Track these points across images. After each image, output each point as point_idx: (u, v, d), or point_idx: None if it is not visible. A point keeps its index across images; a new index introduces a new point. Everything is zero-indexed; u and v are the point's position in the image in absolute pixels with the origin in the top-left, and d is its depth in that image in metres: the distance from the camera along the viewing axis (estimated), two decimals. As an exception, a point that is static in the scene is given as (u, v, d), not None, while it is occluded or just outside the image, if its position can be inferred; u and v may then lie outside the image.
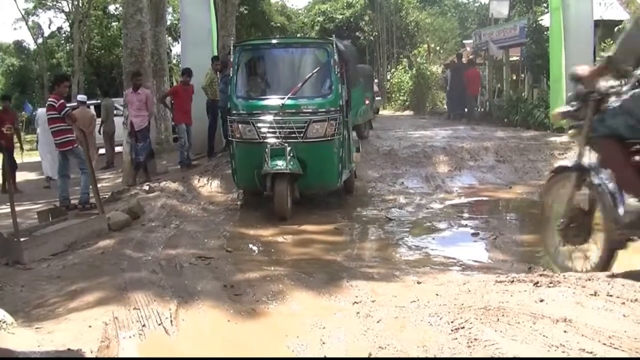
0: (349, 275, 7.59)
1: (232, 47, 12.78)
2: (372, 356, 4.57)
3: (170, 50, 47.73)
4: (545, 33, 23.71)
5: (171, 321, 5.89)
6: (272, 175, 11.35)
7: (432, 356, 4.27)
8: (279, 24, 52.01)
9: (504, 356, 4.05)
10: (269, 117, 11.62)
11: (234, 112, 11.98)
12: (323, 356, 4.80)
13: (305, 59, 12.66)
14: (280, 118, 11.56)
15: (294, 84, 11.95)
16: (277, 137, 11.50)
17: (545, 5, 27.68)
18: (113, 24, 50.91)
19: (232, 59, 12.38)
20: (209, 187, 14.42)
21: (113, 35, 49.15)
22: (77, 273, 7.82)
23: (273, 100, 11.89)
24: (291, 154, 11.38)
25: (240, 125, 11.80)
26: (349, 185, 13.54)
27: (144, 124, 15.81)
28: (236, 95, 12.11)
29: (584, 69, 6.01)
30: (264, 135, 11.57)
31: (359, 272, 7.81)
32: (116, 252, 8.94)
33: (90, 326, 5.61)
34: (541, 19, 25.77)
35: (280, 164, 11.27)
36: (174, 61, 46.80)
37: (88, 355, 4.93)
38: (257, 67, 12.93)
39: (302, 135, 11.52)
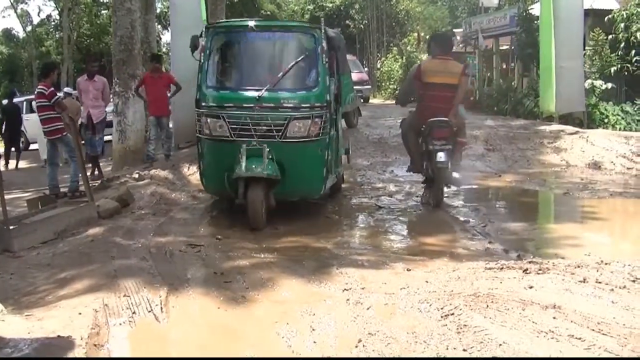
0: (339, 262, 7.59)
1: (204, 29, 10.77)
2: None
3: (160, 39, 47.58)
4: (535, 22, 23.72)
5: (161, 308, 5.91)
6: (246, 180, 9.72)
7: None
8: (269, 12, 51.83)
9: (494, 343, 4.07)
10: (243, 112, 9.93)
11: (202, 104, 10.21)
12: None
13: (289, 45, 10.82)
14: (256, 113, 9.87)
15: (274, 74, 10.19)
16: (252, 136, 9.80)
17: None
18: (102, 11, 50.66)
19: (203, 43, 10.47)
20: (198, 175, 14.38)
21: (102, 23, 48.91)
22: (67, 261, 7.81)
23: (248, 92, 10.07)
24: (269, 157, 9.75)
25: (209, 120, 10.11)
26: (333, 191, 11.83)
27: (102, 115, 15.69)
28: (206, 85, 10.30)
29: None
30: (237, 132, 9.88)
31: (348, 259, 7.81)
32: (106, 239, 8.91)
33: (80, 313, 5.62)
34: (531, 8, 25.79)
35: (256, 167, 9.64)
36: (164, 49, 46.62)
37: (78, 342, 4.93)
38: (232, 53, 10.94)
39: (280, 134, 9.82)
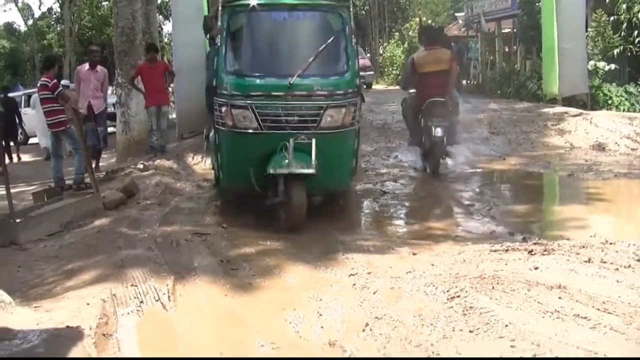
0: (345, 248, 7.63)
1: (219, 8, 9.62)
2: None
3: (162, 29, 47.51)
4: (537, 4, 23.64)
5: (169, 297, 5.93)
6: (285, 178, 8.74)
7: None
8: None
9: (500, 324, 4.09)
10: (274, 102, 9.00)
11: (223, 92, 9.21)
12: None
13: (315, 25, 9.89)
14: (287, 103, 8.98)
15: (302, 57, 9.25)
16: (284, 127, 8.96)
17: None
18: (104, 3, 50.58)
19: (219, 24, 9.52)
20: (203, 164, 14.37)
21: (104, 14, 48.88)
22: (74, 252, 7.84)
23: (277, 78, 9.15)
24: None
25: (233, 111, 9.08)
26: None
27: (103, 106, 15.63)
28: (226, 71, 9.31)
29: None
30: (267, 124, 8.97)
31: (354, 245, 7.85)
32: (112, 230, 8.94)
33: (88, 304, 5.65)
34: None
35: (305, 164, 8.66)
36: (166, 40, 46.57)
37: (87, 332, 4.96)
38: (253, 35, 9.81)
39: (315, 124, 8.97)
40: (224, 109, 9.22)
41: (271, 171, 8.73)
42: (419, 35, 16.32)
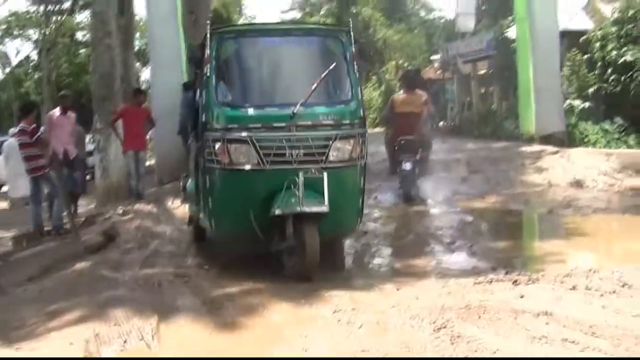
0: (328, 286, 7.58)
1: (207, 34, 8.57)
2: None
3: (139, 76, 47.58)
4: (512, 45, 23.94)
5: (152, 336, 5.88)
6: (294, 219, 7.89)
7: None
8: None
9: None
10: (276, 134, 8.13)
11: (215, 126, 8.30)
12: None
13: (313, 51, 9.16)
14: (292, 134, 8.11)
15: (302, 85, 8.45)
16: (290, 162, 8.05)
17: (510, 18, 28.02)
18: (81, 50, 50.66)
19: (208, 51, 8.53)
20: (182, 208, 14.35)
21: (81, 62, 48.88)
22: (55, 294, 7.77)
23: (279, 109, 8.32)
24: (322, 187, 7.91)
25: (229, 146, 8.12)
26: None
27: (76, 151, 15.56)
28: (218, 102, 8.40)
29: None
30: (270, 159, 8.05)
31: (337, 282, 7.81)
32: (93, 273, 8.86)
33: (71, 343, 5.63)
34: (507, 31, 26.10)
35: (317, 200, 7.78)
36: (143, 86, 46.65)
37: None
38: (247, 62, 9.00)
39: (323, 158, 8.11)
40: (217, 145, 8.20)
41: (277, 212, 7.83)
42: (399, 80, 18.00)
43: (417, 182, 13.93)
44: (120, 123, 15.32)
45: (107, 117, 16.02)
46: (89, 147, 20.83)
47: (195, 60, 9.08)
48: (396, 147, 13.91)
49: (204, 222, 9.30)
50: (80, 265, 9.44)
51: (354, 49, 8.77)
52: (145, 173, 16.24)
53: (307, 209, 7.70)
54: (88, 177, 18.81)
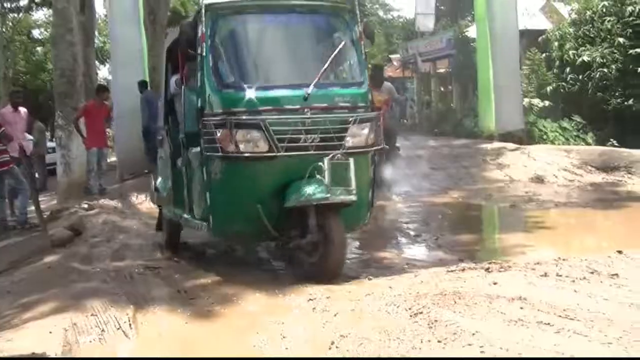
0: (300, 276, 7.69)
1: (201, 11, 7.68)
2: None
3: (97, 73, 47.29)
4: (471, 44, 24.24)
5: (130, 325, 5.92)
6: (316, 210, 7.06)
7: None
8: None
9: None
10: (291, 117, 7.35)
11: (216, 111, 7.42)
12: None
13: (318, 30, 8.53)
14: (307, 117, 7.31)
15: (309, 65, 7.93)
16: (306, 148, 7.27)
17: (469, 18, 28.33)
18: (38, 48, 50.18)
19: (202, 30, 7.62)
20: (147, 203, 14.36)
21: (39, 59, 48.43)
22: (27, 287, 7.76)
23: (290, 90, 7.53)
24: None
25: (235, 132, 7.19)
26: None
27: (31, 147, 15.44)
28: (217, 84, 7.52)
29: None
30: (285, 145, 7.20)
31: (309, 273, 7.92)
32: (63, 266, 8.87)
33: (50, 332, 5.63)
34: (466, 31, 26.39)
35: (345, 190, 7.02)
36: (102, 83, 46.33)
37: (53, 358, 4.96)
38: (249, 40, 8.21)
39: (342, 143, 7.31)
40: (220, 131, 7.27)
41: (294, 203, 7.06)
42: None
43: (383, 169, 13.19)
44: (81, 120, 15.30)
45: (68, 113, 15.95)
46: (49, 143, 20.73)
47: (186, 40, 7.83)
48: None
49: (192, 223, 8.40)
50: (49, 259, 9.44)
51: (359, 29, 7.97)
52: (106, 169, 16.33)
53: (336, 199, 6.94)
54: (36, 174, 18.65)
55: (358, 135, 7.44)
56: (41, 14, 48.80)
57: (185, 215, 8.60)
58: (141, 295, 7.01)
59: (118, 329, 5.87)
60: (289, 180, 7.20)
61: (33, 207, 12.97)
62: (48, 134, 19.96)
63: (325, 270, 7.08)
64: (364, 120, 7.48)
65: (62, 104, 16.19)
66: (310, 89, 7.30)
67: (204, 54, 7.55)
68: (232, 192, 7.49)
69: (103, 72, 50.73)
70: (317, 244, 7.09)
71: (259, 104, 7.29)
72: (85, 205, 13.40)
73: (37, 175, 16.55)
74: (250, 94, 7.32)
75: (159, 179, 9.68)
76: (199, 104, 7.63)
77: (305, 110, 7.29)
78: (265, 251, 9.28)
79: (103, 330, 5.83)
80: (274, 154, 7.17)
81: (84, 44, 21.56)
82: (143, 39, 19.68)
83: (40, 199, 16.65)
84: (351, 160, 7.03)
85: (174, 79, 9.07)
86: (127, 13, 18.96)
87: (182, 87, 8.59)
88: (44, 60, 44.54)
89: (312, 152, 7.16)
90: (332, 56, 7.65)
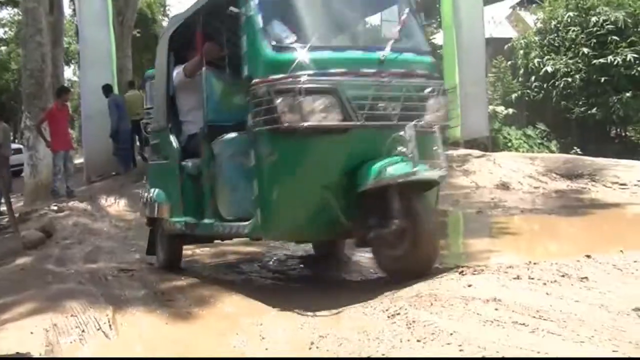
0: (274, 280, 7.83)
1: None
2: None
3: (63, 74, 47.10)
4: (438, 51, 24.47)
5: (110, 326, 5.99)
6: (399, 189, 5.86)
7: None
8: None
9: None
10: (369, 82, 6.14)
11: (271, 77, 6.07)
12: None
13: None
14: (385, 83, 6.18)
15: (372, 27, 7.50)
16: (388, 117, 6.15)
17: (435, 25, 28.58)
18: (2, 48, 49.84)
19: None
20: (116, 206, 14.45)
21: (2, 59, 48.14)
22: (2, 289, 7.79)
23: (362, 51, 6.47)
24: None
25: (302, 99, 5.84)
26: None
27: None
28: (270, 45, 6.22)
29: None
30: (365, 113, 6.02)
31: (283, 277, 8.06)
32: (37, 267, 8.94)
33: (31, 332, 5.70)
34: (433, 38, 26.63)
35: (435, 165, 6.01)
36: (67, 84, 46.08)
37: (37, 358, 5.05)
38: None
39: (422, 114, 6.26)
40: (282, 99, 5.92)
41: (372, 184, 5.89)
42: None
43: None
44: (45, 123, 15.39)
45: (36, 114, 16.05)
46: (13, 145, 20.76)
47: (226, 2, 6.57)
48: None
49: (221, 227, 7.23)
50: (21, 261, 9.51)
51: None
52: (73, 171, 16.38)
53: (425, 175, 5.91)
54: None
55: (437, 107, 6.44)
56: (5, 13, 48.48)
57: (207, 221, 7.38)
58: (118, 297, 7.10)
59: (98, 329, 5.94)
60: (363, 158, 6.02)
61: (4, 209, 12.98)
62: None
63: (415, 263, 6.03)
64: (442, 92, 6.49)
65: (31, 104, 16.29)
66: (386, 52, 6.27)
67: (251, 12, 6.32)
68: (295, 175, 6.18)
69: (67, 73, 50.50)
70: (404, 234, 5.92)
71: (331, 65, 6.11)
72: (55, 207, 13.45)
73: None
74: (317, 55, 6.15)
75: (154, 190, 8.46)
76: (246, 72, 6.39)
77: (383, 75, 6.19)
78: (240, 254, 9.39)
79: (83, 331, 5.89)
80: (351, 123, 6.00)
81: (53, 45, 21.59)
82: (112, 40, 19.74)
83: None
84: (437, 130, 6.10)
85: (176, 71, 8.09)
86: (96, 14, 19.04)
87: (204, 70, 7.43)
88: (8, 60, 44.25)
89: (394, 122, 6.09)
90: (403, 18, 6.73)
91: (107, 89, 18.02)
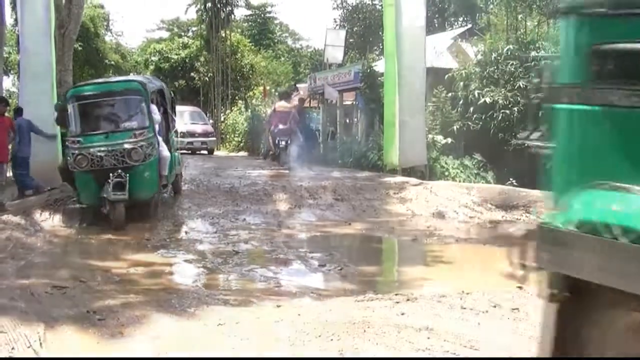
0: (207, 302, 7.78)
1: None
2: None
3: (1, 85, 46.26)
4: (379, 78, 24.65)
5: (40, 343, 5.93)
6: None
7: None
8: (113, 62, 51.47)
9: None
10: None
11: None
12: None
13: None
14: None
15: None
16: None
17: (377, 52, 28.86)
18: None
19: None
20: (51, 221, 14.20)
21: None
22: None
23: None
24: None
25: None
26: None
27: None
28: None
29: None
30: None
31: (217, 299, 8.00)
32: (-33, 282, 8.77)
33: (-39, 348, 5.61)
34: (375, 65, 26.80)
35: None
36: (4, 95, 45.35)
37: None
38: None
39: None
40: None
41: None
42: (279, 95, 30.00)
43: (288, 157, 23.26)
44: None
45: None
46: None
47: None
48: (273, 132, 24.35)
49: None
50: (-49, 274, 9.30)
51: None
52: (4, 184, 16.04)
53: None
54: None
55: None
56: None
57: None
58: (50, 314, 6.99)
59: (29, 347, 5.88)
60: None
61: None
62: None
63: None
64: None
65: None
66: None
67: None
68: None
69: (6, 84, 49.67)
70: None
71: None
72: (-13, 221, 13.17)
73: None
74: None
75: None
76: None
77: None
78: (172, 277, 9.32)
79: (13, 348, 5.83)
80: None
81: (-9, 55, 21.26)
82: (53, 52, 19.49)
83: None
84: None
85: None
86: (38, 25, 18.73)
87: None
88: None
89: None
90: None
91: (17, 112, 17.55)
